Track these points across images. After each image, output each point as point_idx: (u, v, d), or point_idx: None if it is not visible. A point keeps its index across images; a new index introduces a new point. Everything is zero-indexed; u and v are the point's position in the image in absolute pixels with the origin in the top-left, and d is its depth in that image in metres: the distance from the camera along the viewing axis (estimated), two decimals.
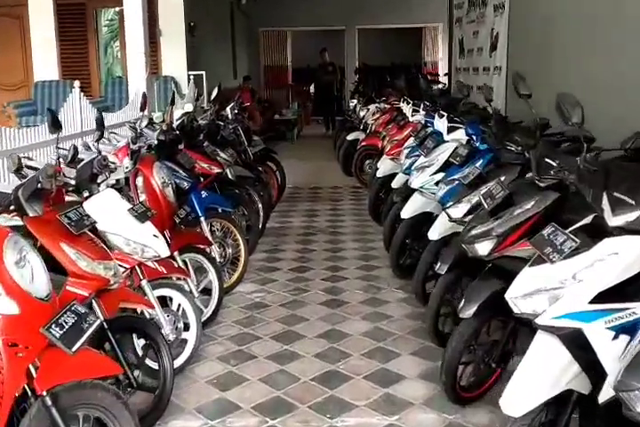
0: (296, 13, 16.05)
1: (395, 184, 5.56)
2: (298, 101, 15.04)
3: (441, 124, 4.56)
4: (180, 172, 4.27)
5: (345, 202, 7.59)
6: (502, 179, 3.13)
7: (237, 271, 4.61)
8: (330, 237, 6.05)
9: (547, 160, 2.64)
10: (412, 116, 6.16)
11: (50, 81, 10.12)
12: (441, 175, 4.44)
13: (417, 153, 5.07)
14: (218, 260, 4.38)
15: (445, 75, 13.65)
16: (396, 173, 6.06)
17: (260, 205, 5.87)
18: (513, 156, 3.29)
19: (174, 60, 10.29)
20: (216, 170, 5.01)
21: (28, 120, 9.29)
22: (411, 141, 5.60)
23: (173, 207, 3.76)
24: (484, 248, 2.72)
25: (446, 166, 4.44)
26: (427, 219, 4.60)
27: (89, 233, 2.74)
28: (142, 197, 3.56)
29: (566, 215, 2.55)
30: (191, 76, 9.98)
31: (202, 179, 4.91)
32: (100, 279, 2.62)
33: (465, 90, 5.84)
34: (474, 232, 2.76)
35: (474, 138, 4.05)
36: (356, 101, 10.19)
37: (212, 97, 5.96)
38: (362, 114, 8.87)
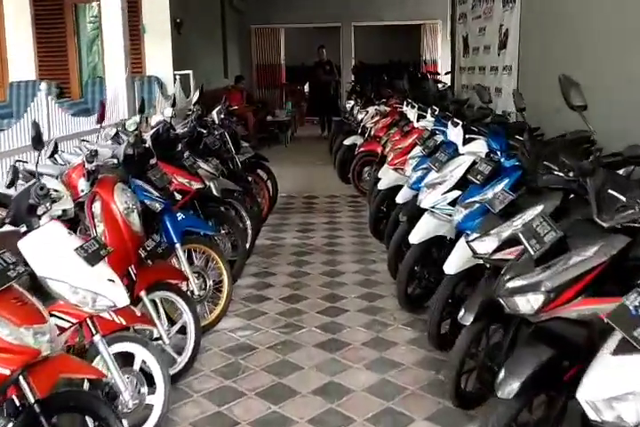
0: (290, 10, 15.40)
1: (399, 199, 4.94)
2: (292, 101, 14.41)
3: (455, 133, 3.94)
4: (152, 191, 3.64)
5: (342, 214, 6.96)
6: (543, 209, 2.52)
7: (220, 305, 3.99)
8: (327, 257, 5.42)
9: (611, 192, 2.02)
10: (418, 121, 5.54)
11: (26, 81, 9.47)
12: (456, 194, 3.82)
13: (425, 165, 4.46)
14: (196, 293, 3.75)
15: (447, 73, 13.04)
16: (400, 186, 5.46)
17: (248, 222, 5.25)
18: (553, 178, 2.66)
19: (159, 59, 9.65)
20: (196, 186, 4.38)
21: (1, 124, 8.63)
22: (417, 151, 4.99)
23: (139, 237, 3.13)
24: (529, 305, 2.11)
25: (461, 183, 3.84)
26: (439, 243, 3.99)
27: (16, 286, 2.11)
28: (100, 228, 2.93)
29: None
30: (177, 76, 9.37)
31: (180, 196, 4.29)
32: (29, 351, 2.00)
33: (487, 96, 5.24)
34: (516, 284, 2.14)
35: (497, 152, 3.42)
36: (353, 102, 9.55)
37: (194, 100, 5.31)
38: (360, 117, 8.24)
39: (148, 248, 3.29)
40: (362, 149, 7.69)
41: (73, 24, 9.85)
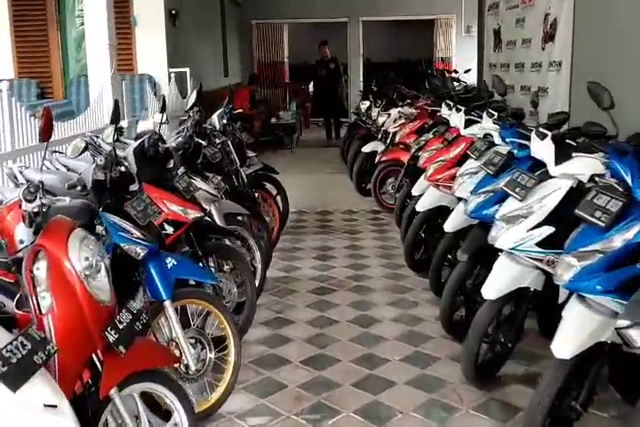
0: (293, 4, 14.39)
1: (449, 227, 3.94)
2: (296, 102, 13.36)
3: (543, 148, 2.91)
4: (132, 230, 2.62)
5: (365, 235, 5.93)
6: None
7: (224, 381, 2.95)
8: (354, 296, 4.38)
9: None
10: (465, 128, 4.52)
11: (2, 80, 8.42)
12: (546, 231, 2.82)
13: (489, 187, 3.46)
14: (193, 368, 2.73)
15: (467, 71, 12.02)
16: (444, 207, 4.47)
17: (256, 253, 4.23)
18: None
19: (152, 55, 8.62)
20: (193, 214, 3.36)
21: None
22: (470, 166, 3.99)
23: (108, 310, 2.10)
24: None
25: (553, 217, 2.83)
26: (522, 295, 2.98)
27: None
28: (46, 301, 1.91)
29: None
30: (172, 75, 8.34)
31: (172, 229, 3.27)
32: None
33: (502, 87, 4.25)
34: None
35: (625, 180, 2.39)
36: (368, 103, 8.52)
37: (189, 104, 4.28)
38: (380, 120, 7.21)
39: (121, 325, 2.25)
40: (384, 157, 6.67)
41: (55, 17, 8.79)
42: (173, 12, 8.81)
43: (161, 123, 4.15)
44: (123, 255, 2.61)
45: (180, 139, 3.94)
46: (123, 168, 2.62)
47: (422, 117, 6.45)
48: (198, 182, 3.88)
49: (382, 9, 14.52)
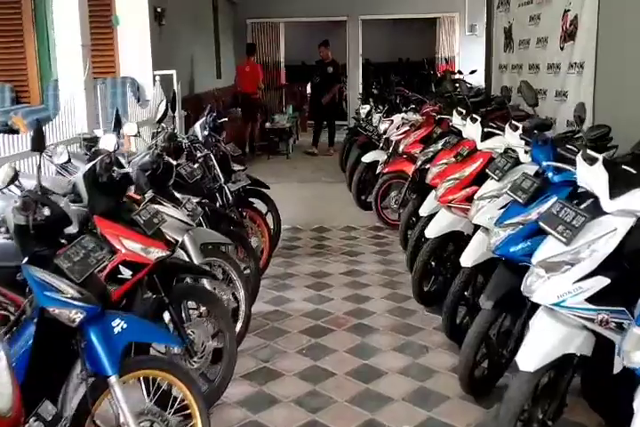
0: (290, 2, 13.77)
1: (467, 261, 3.33)
2: (293, 105, 12.75)
3: (595, 176, 2.29)
4: (64, 289, 2.01)
5: (366, 257, 5.31)
6: None
7: None
8: (353, 338, 3.73)
9: None
10: (482, 141, 3.90)
11: None
12: (600, 283, 2.20)
13: (518, 218, 2.86)
14: None
15: (472, 73, 11.40)
16: (457, 233, 3.87)
17: (240, 293, 3.62)
18: None
19: (136, 57, 7.99)
20: (157, 254, 2.74)
21: None
22: (491, 188, 3.38)
23: (8, 422, 1.49)
24: None
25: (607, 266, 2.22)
26: (567, 362, 2.36)
27: None
28: None
29: None
30: (157, 78, 7.73)
31: (130, 273, 2.66)
32: None
33: (532, 96, 3.64)
34: None
35: None
36: (368, 108, 7.90)
37: (159, 115, 3.62)
38: (382, 127, 6.59)
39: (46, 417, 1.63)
40: (387, 168, 6.06)
41: (32, 17, 8.17)
42: (159, 10, 8.19)
43: (135, 136, 3.56)
44: (53, 322, 2.02)
45: (146, 158, 3.32)
46: (47, 211, 1.99)
47: (428, 125, 5.84)
48: (168, 209, 3.27)
49: (382, 7, 13.90)
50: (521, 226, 2.82)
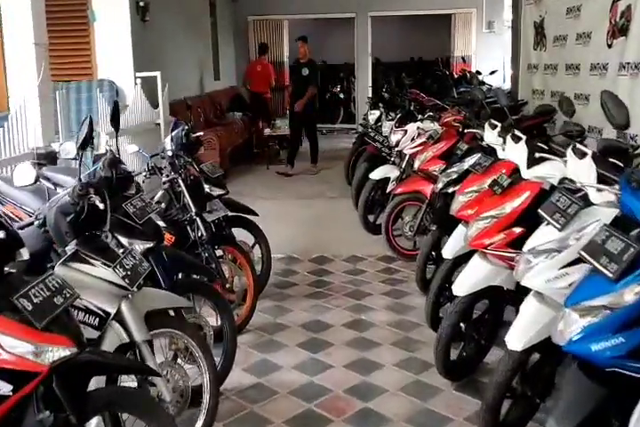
0: None
1: (516, 342, 2.37)
2: None
3: None
4: None
5: (374, 301, 4.33)
6: None
7: None
8: None
9: None
10: (530, 167, 2.93)
11: None
12: None
13: (603, 299, 1.91)
14: None
15: (492, 73, 10.41)
16: (496, 288, 2.93)
17: (205, 377, 2.67)
18: None
19: (115, 57, 7.07)
20: (54, 355, 1.80)
21: None
22: (546, 238, 2.41)
23: None
24: None
25: None
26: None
27: None
28: None
29: None
30: (138, 80, 6.80)
31: (9, 388, 1.72)
32: None
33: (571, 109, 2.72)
34: None
35: None
36: (377, 114, 6.93)
37: (80, 139, 2.58)
38: (394, 138, 5.61)
39: None
40: (400, 188, 5.09)
41: None
42: (142, 4, 7.27)
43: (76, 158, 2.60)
44: None
45: (66, 198, 2.37)
46: None
47: (450, 137, 4.86)
48: (96, 269, 2.34)
49: (393, 3, 12.94)
50: (608, 311, 1.86)
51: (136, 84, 6.78)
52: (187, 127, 3.96)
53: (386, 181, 5.65)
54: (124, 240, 2.79)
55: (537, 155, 2.86)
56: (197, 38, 10.27)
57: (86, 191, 2.36)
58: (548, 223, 2.44)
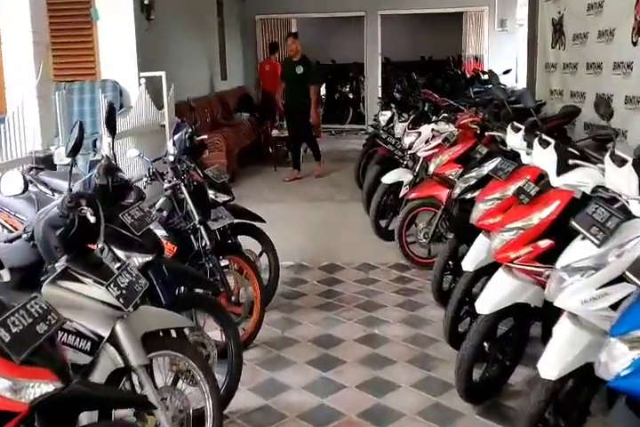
0: None
1: (549, 372, 2.15)
2: None
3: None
4: None
5: (388, 313, 4.10)
6: None
7: None
8: None
9: None
10: (560, 174, 2.70)
11: None
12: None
13: None
14: None
15: (506, 73, 10.16)
16: (524, 306, 2.71)
17: (209, 407, 2.46)
18: None
19: (119, 57, 6.87)
20: (35, 392, 1.59)
21: None
22: (584, 254, 2.19)
23: None
24: None
25: None
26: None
27: None
28: None
29: None
30: (142, 80, 6.60)
31: None
32: None
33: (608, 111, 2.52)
34: None
35: None
36: (389, 115, 6.70)
37: (69, 147, 2.38)
38: (408, 140, 5.39)
39: None
40: (414, 194, 4.87)
41: None
42: (146, 2, 7.06)
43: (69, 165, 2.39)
44: None
45: (54, 210, 2.16)
46: None
47: (467, 140, 4.63)
48: (89, 288, 2.13)
49: (403, 1, 12.70)
50: None
51: (140, 84, 6.58)
52: (190, 130, 3.75)
53: (398, 184, 5.42)
54: (120, 253, 2.60)
55: (570, 161, 2.61)
56: (204, 37, 10.08)
57: (76, 203, 2.15)
58: (584, 238, 2.22)
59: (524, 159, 3.28)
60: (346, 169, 8.59)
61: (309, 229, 6.04)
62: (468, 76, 10.71)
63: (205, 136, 3.93)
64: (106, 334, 2.15)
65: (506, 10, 12.60)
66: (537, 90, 6.68)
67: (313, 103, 8.52)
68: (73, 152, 2.25)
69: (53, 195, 3.01)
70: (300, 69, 8.51)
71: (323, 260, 5.18)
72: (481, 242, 3.26)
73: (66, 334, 2.09)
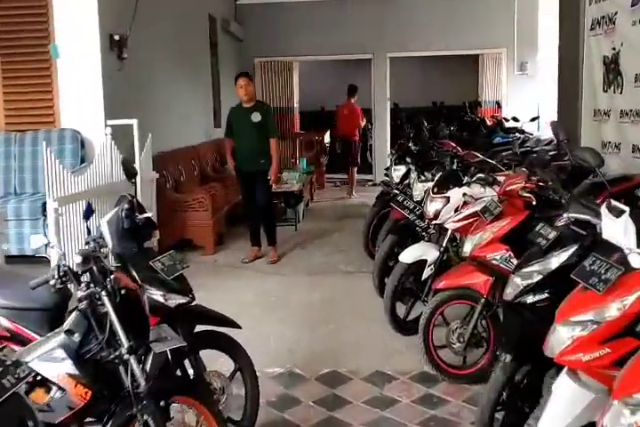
0: (305, 39, 11.71)
1: None
2: (307, 158, 10.50)
3: None
4: None
5: None
6: None
7: None
8: None
9: None
10: None
11: None
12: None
13: None
14: None
15: (533, 120, 9.08)
16: None
17: None
18: None
19: (82, 102, 5.78)
20: None
21: None
22: None
23: None
24: None
25: None
26: None
27: None
28: None
29: None
30: (108, 129, 5.50)
31: None
32: None
33: None
34: None
35: None
36: (403, 170, 5.54)
37: None
38: (431, 209, 4.17)
39: None
40: (444, 281, 3.64)
41: None
42: (117, 37, 5.99)
43: None
44: None
45: None
46: None
47: (515, 211, 3.45)
48: None
49: (413, 43, 11.78)
50: None
51: (106, 134, 5.46)
52: (126, 206, 2.58)
53: (420, 263, 4.21)
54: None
55: None
56: (194, 79, 9.04)
57: None
58: None
59: (634, 261, 2.07)
60: (352, 228, 7.40)
61: (306, 316, 4.79)
62: (489, 123, 9.60)
63: (150, 214, 2.72)
64: None
65: (525, 52, 11.62)
66: (582, 142, 5.50)
67: (274, 161, 6.47)
68: None
69: None
70: (256, 117, 6.45)
71: (321, 365, 3.91)
72: (566, 389, 2.03)
73: None
